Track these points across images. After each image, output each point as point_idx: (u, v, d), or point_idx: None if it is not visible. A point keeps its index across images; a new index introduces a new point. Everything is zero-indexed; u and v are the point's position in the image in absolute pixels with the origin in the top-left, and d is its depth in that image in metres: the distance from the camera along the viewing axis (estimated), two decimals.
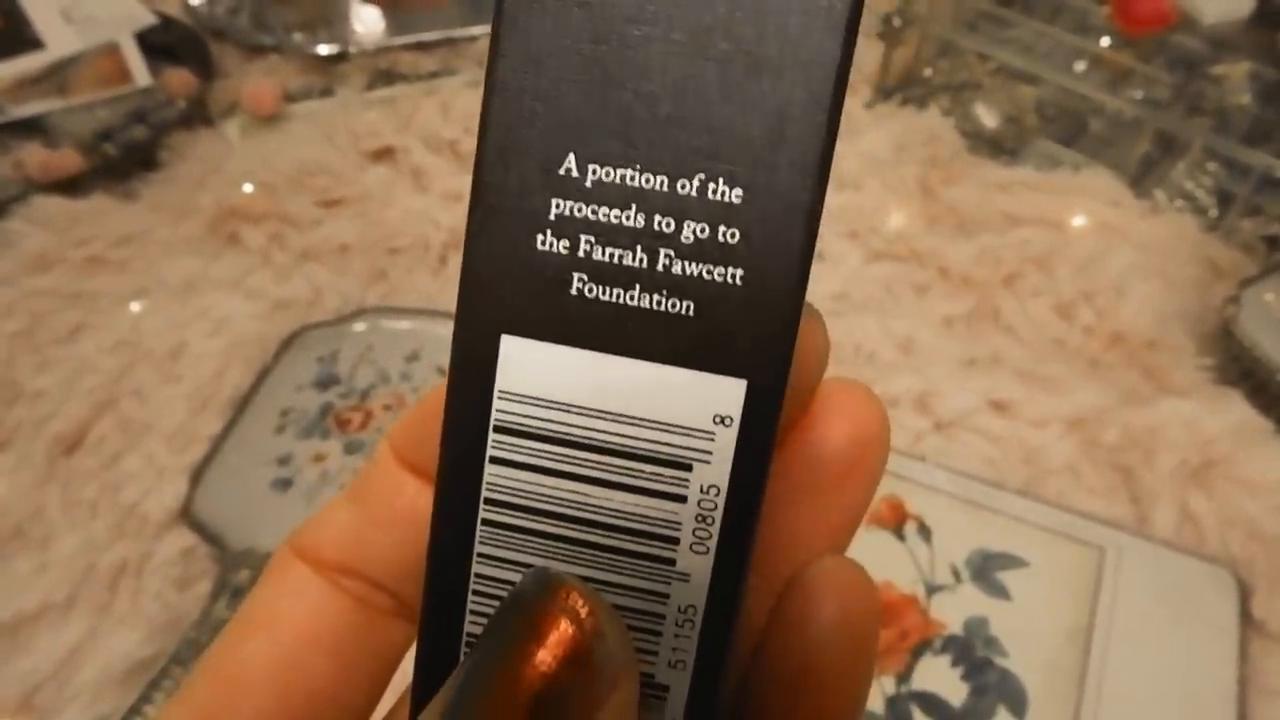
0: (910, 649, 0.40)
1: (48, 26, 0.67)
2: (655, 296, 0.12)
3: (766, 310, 0.12)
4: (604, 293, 0.12)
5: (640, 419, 0.13)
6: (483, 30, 0.73)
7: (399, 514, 0.14)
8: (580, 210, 0.12)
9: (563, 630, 0.10)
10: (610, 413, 0.13)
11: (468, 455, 0.13)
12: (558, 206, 0.12)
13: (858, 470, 0.14)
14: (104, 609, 0.43)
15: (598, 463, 0.13)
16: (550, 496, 0.13)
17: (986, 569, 0.42)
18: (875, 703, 0.39)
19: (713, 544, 0.13)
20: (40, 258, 0.55)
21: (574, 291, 0.12)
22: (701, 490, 0.13)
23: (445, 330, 0.52)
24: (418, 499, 0.14)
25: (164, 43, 0.68)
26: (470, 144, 0.64)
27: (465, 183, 0.61)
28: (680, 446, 0.13)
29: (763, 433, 0.13)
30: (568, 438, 0.13)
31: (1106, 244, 0.57)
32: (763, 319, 0.12)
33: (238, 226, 0.57)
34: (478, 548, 0.13)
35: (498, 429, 0.13)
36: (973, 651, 0.40)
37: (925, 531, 0.43)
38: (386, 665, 0.15)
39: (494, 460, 0.13)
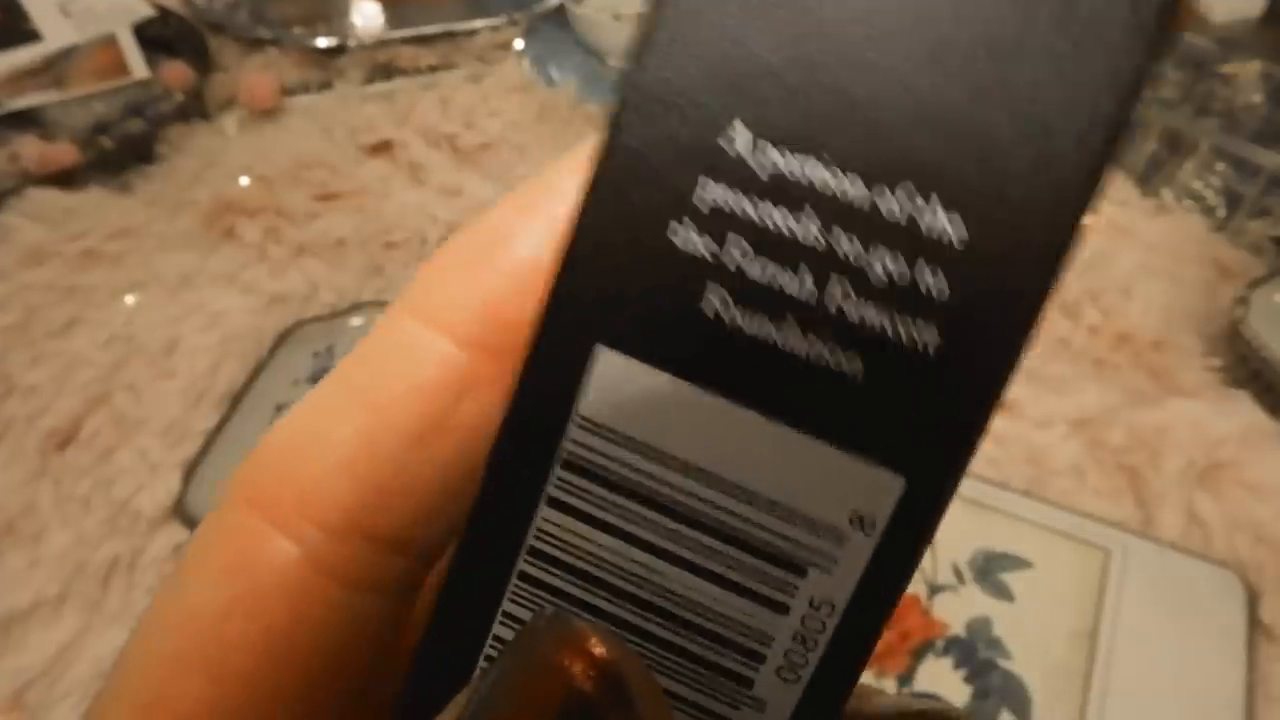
0: (912, 650, 0.39)
1: (45, 19, 0.66)
2: (815, 341, 0.09)
3: (957, 394, 0.09)
4: (748, 320, 0.09)
5: (756, 493, 0.10)
6: (483, 24, 0.72)
7: (435, 418, 0.10)
8: (738, 200, 0.09)
9: (579, 671, 0.09)
10: (719, 477, 0.10)
11: (519, 489, 0.10)
12: (707, 188, 0.09)
13: None
14: (96, 606, 0.42)
15: (686, 537, 0.10)
16: (613, 564, 0.10)
17: (989, 570, 0.42)
18: None
19: (807, 673, 0.10)
20: (35, 251, 0.55)
21: (707, 309, 0.09)
22: (811, 604, 0.10)
23: None
24: (467, 392, 0.10)
25: (161, 36, 0.68)
26: (469, 139, 0.63)
27: (463, 177, 0.61)
28: (798, 543, 0.10)
29: (907, 548, 0.10)
30: (655, 496, 0.10)
31: (1113, 243, 0.56)
32: (949, 404, 0.09)
33: (234, 220, 0.57)
34: (505, 605, 0.10)
35: (567, 464, 0.10)
36: (975, 653, 0.39)
37: None
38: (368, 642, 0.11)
39: (552, 502, 0.10)
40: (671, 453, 0.10)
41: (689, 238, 0.09)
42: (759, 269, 0.09)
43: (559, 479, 0.10)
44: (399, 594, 0.11)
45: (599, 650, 0.09)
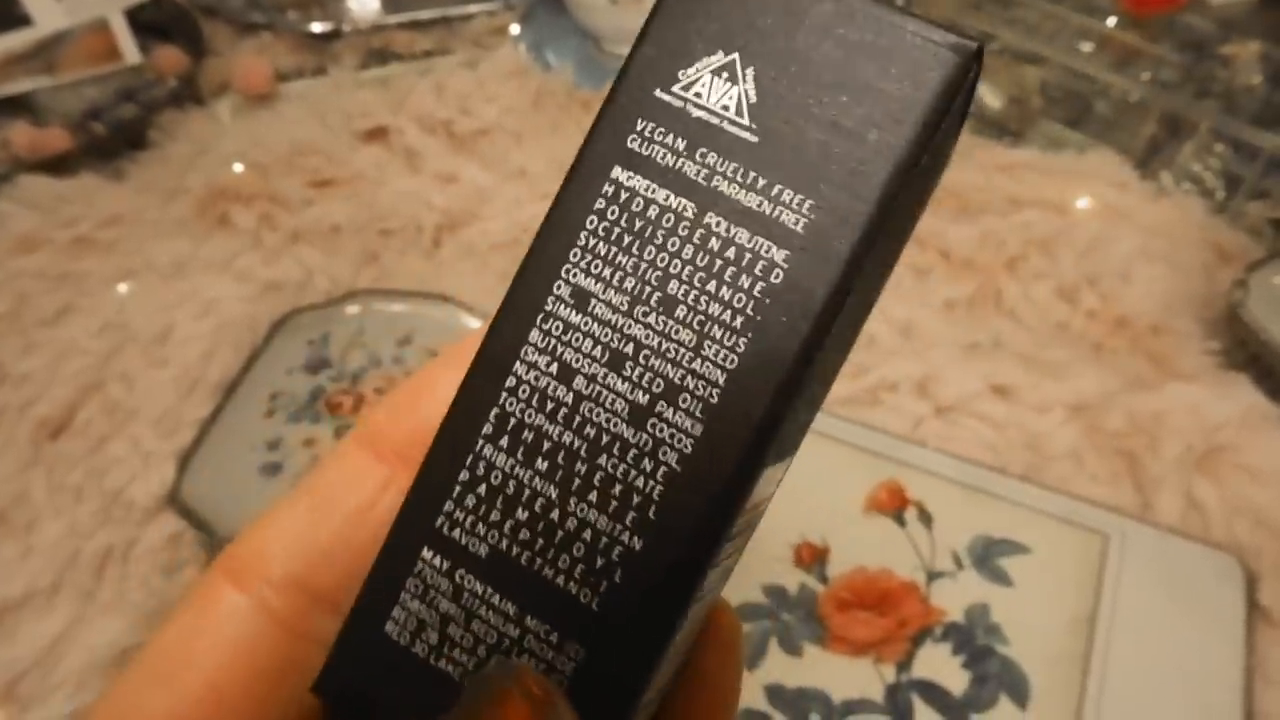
0: (910, 637, 0.39)
1: (36, 3, 0.65)
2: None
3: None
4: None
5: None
6: (479, 8, 0.72)
7: (364, 505, 0.14)
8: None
9: (519, 705, 0.11)
10: None
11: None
12: None
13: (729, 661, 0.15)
14: (89, 596, 0.42)
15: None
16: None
17: (988, 556, 0.41)
18: (876, 691, 0.38)
19: None
20: (26, 238, 0.55)
21: None
22: None
23: (438, 313, 0.51)
24: (388, 489, 0.14)
25: (154, 20, 0.67)
26: (465, 125, 0.63)
27: (459, 164, 0.60)
28: None
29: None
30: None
31: (1111, 227, 0.56)
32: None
33: (228, 207, 0.56)
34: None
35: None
36: (974, 639, 0.39)
37: (926, 517, 0.43)
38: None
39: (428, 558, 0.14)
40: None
41: None
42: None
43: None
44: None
45: (536, 687, 0.11)
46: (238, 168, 0.58)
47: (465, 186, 0.59)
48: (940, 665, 0.39)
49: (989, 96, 0.65)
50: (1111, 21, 0.65)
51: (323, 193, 0.58)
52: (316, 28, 0.70)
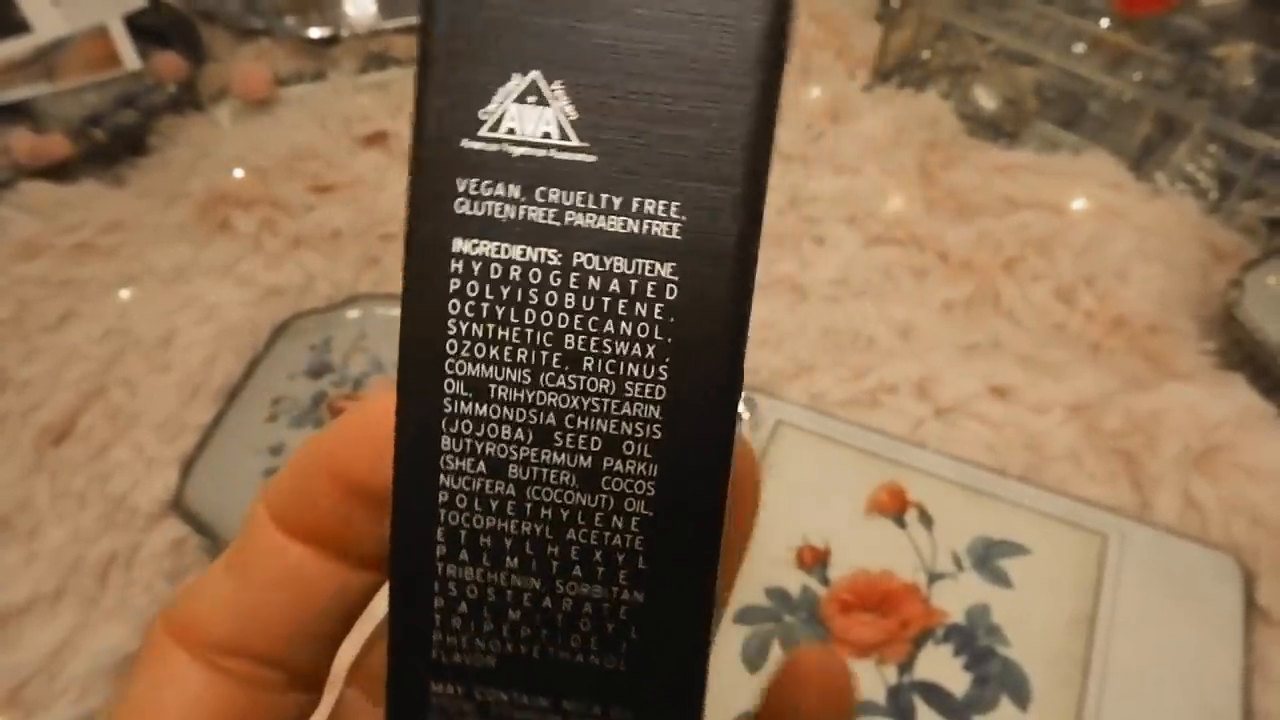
0: (912, 638, 0.40)
1: (35, 9, 0.65)
2: None
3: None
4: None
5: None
6: None
7: (284, 578, 0.14)
8: None
9: None
10: None
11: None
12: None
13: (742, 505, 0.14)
14: (93, 601, 0.42)
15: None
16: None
17: (988, 556, 0.42)
18: (877, 692, 0.38)
19: None
20: (28, 244, 0.55)
21: None
22: None
23: None
24: (302, 563, 0.14)
25: (153, 26, 0.67)
26: None
27: None
28: None
29: None
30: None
31: (1107, 227, 0.56)
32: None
33: (228, 212, 0.56)
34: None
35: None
36: (975, 640, 0.39)
37: (926, 519, 0.43)
38: None
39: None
40: None
41: None
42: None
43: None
44: (290, 692, 0.14)
45: None
46: (238, 173, 0.58)
47: None
48: (942, 666, 0.39)
49: (984, 98, 0.66)
50: (1104, 23, 0.65)
51: (323, 197, 0.58)
52: (315, 33, 0.70)
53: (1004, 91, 0.66)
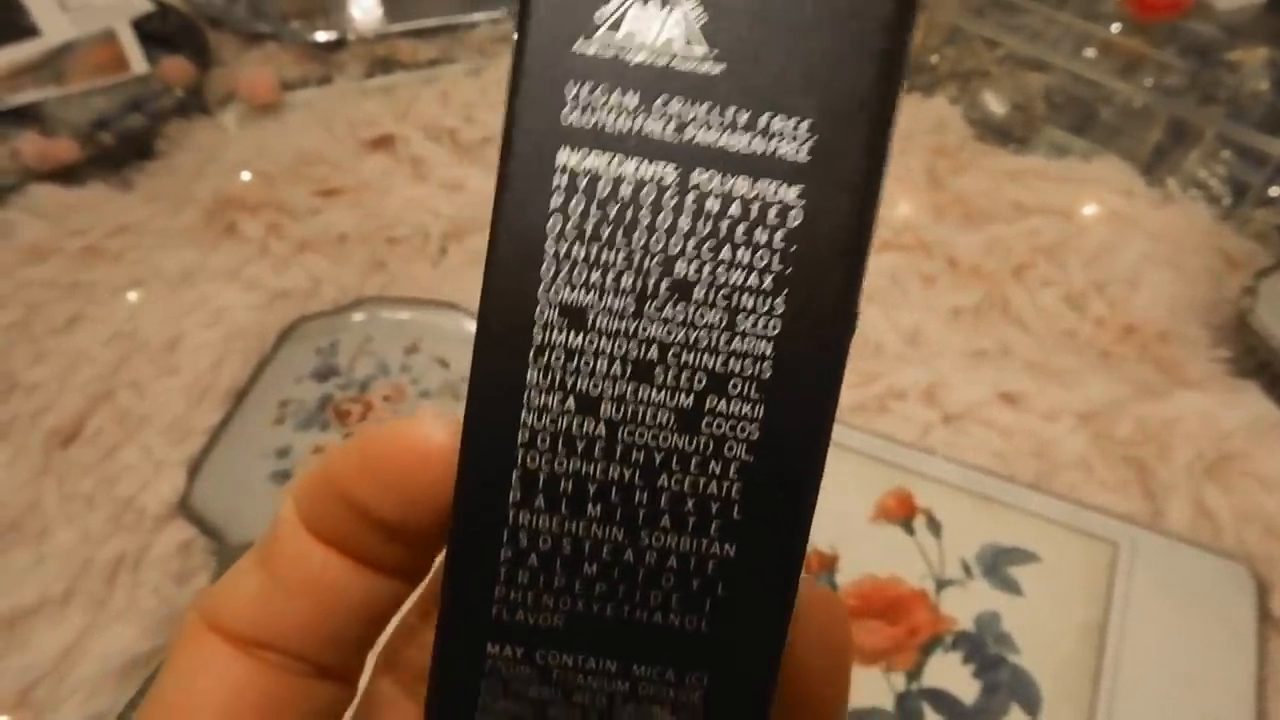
0: (920, 645, 0.39)
1: (44, 14, 0.66)
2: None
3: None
4: None
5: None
6: (484, 17, 0.72)
7: (308, 582, 0.13)
8: None
9: None
10: None
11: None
12: None
13: (834, 692, 0.14)
14: (102, 603, 0.42)
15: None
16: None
17: (998, 564, 0.41)
18: (886, 700, 0.38)
19: None
20: (36, 248, 0.55)
21: None
22: None
23: (445, 321, 0.51)
24: (327, 567, 0.13)
25: (161, 31, 0.68)
26: (470, 133, 0.63)
27: (464, 172, 0.60)
28: None
29: None
30: None
31: (1118, 234, 0.56)
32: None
33: (235, 216, 0.57)
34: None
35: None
36: (984, 648, 0.39)
37: (935, 526, 0.43)
38: None
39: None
40: None
41: None
42: None
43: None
44: (324, 681, 0.14)
45: None
46: (245, 177, 0.58)
47: (471, 194, 0.59)
48: (950, 674, 0.39)
49: (994, 103, 0.65)
50: (1116, 27, 0.65)
51: (329, 201, 0.58)
52: (321, 37, 0.70)
53: (1013, 96, 0.66)
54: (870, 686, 0.38)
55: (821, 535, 0.42)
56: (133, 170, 0.61)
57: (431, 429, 0.12)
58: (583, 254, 0.11)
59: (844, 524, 0.43)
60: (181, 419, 0.47)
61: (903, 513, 0.43)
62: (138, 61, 0.65)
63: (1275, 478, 0.44)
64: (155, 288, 0.53)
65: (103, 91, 0.64)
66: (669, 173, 0.11)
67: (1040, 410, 0.47)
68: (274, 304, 0.52)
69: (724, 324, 0.11)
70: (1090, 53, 0.65)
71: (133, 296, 0.53)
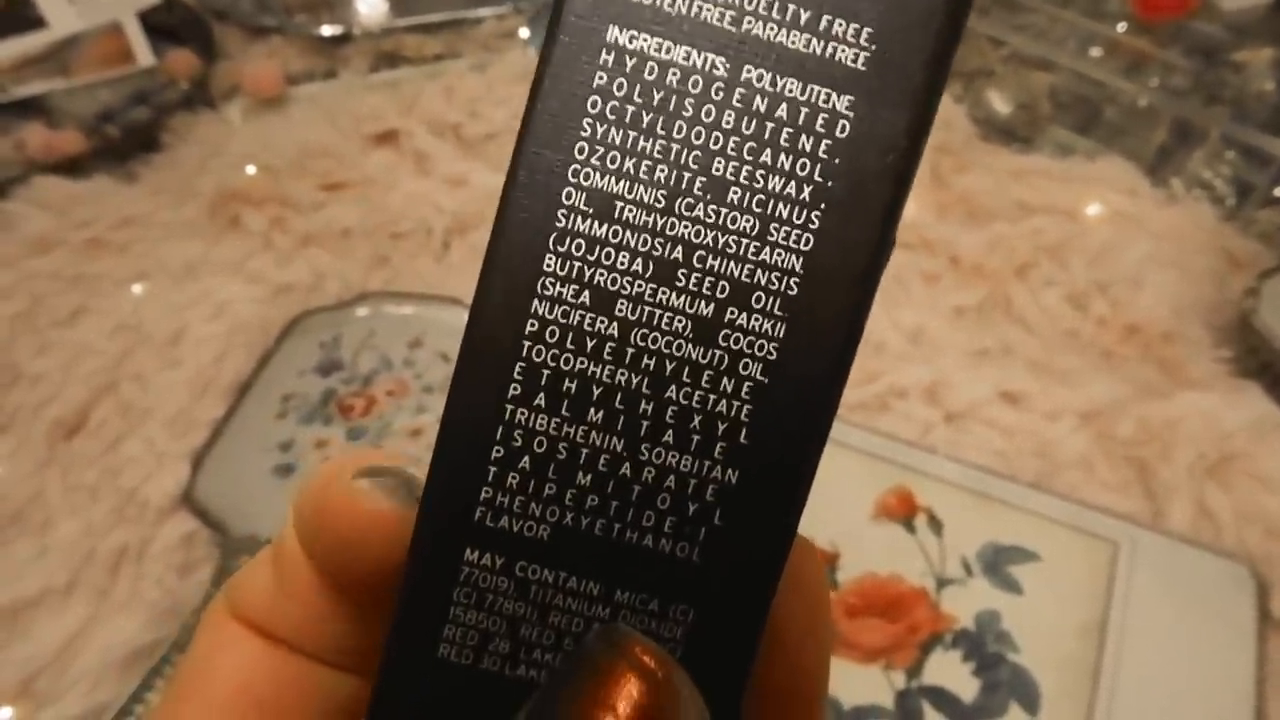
0: (920, 643, 0.39)
1: (50, 6, 0.66)
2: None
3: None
4: None
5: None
6: (489, 12, 0.72)
7: (303, 592, 0.13)
8: None
9: (633, 690, 0.09)
10: None
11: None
12: None
13: (812, 639, 0.13)
14: (104, 594, 0.42)
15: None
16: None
17: (998, 562, 0.42)
18: (886, 698, 0.38)
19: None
20: (41, 239, 0.55)
21: None
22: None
23: (448, 316, 0.51)
24: (314, 583, 0.13)
25: (166, 23, 0.68)
26: (474, 128, 0.63)
27: (468, 167, 0.60)
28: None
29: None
30: None
31: (1121, 234, 0.56)
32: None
33: (239, 210, 0.57)
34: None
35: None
36: (984, 646, 0.39)
37: (936, 524, 0.43)
38: (336, 714, 0.14)
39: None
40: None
41: None
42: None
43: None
44: (341, 671, 0.14)
45: (649, 658, 0.09)
46: (249, 170, 0.58)
47: (475, 189, 0.59)
48: (950, 672, 0.39)
49: (998, 102, 0.65)
50: (1121, 27, 0.65)
51: (333, 195, 0.59)
52: (326, 31, 0.70)
53: (1018, 96, 0.66)
54: (870, 684, 0.38)
55: (822, 532, 0.42)
56: (137, 163, 0.61)
57: (376, 501, 0.12)
58: (619, 139, 0.11)
59: (845, 522, 0.43)
60: (185, 412, 0.47)
61: (904, 511, 0.43)
62: (143, 54, 0.65)
63: (1276, 478, 0.44)
64: (159, 280, 0.53)
65: (108, 84, 0.64)
66: (720, 64, 0.11)
67: (1042, 410, 0.47)
68: (277, 298, 0.53)
69: (755, 232, 0.11)
70: (1095, 52, 0.65)
71: (137, 289, 0.53)
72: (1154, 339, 0.51)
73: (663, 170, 0.11)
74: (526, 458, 0.11)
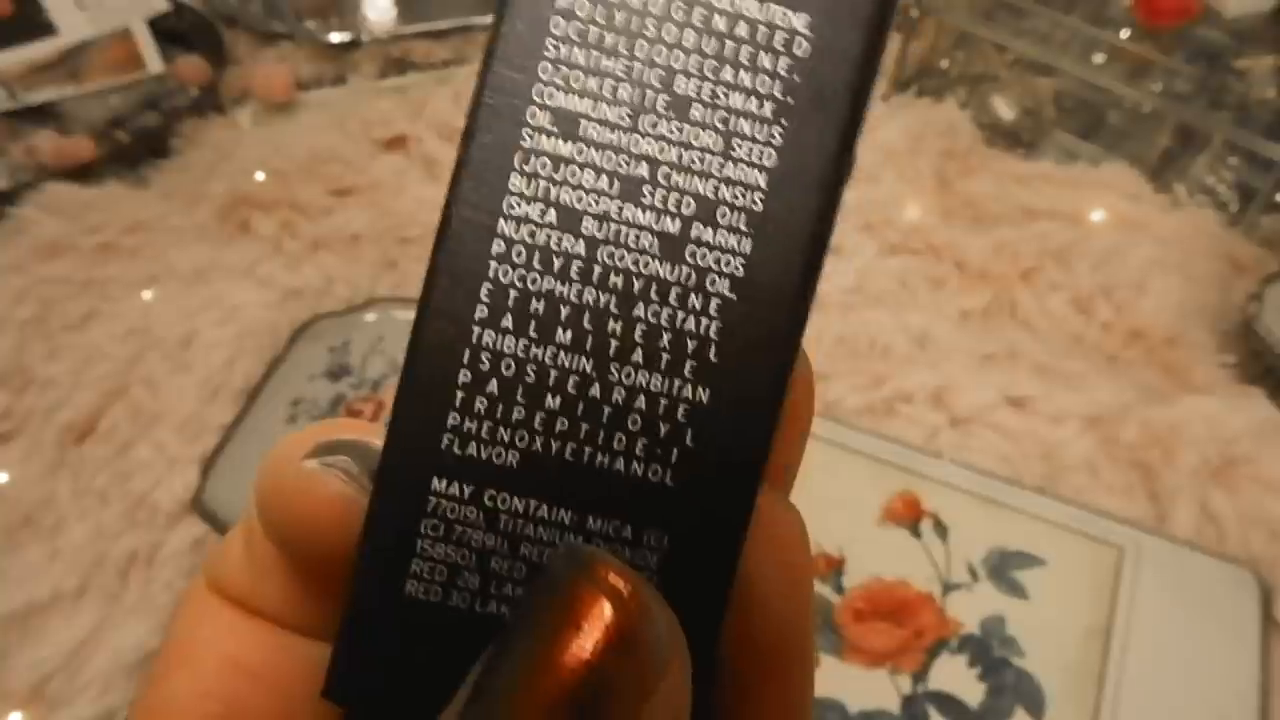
0: (926, 648, 0.40)
1: (60, 12, 0.66)
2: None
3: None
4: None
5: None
6: None
7: (270, 568, 0.13)
8: None
9: (603, 612, 0.09)
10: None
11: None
12: None
13: (791, 411, 0.13)
14: (115, 598, 0.43)
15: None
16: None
17: (1003, 567, 0.42)
18: (891, 702, 0.38)
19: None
20: (52, 245, 0.55)
21: None
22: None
23: None
24: (278, 564, 0.13)
25: (176, 29, 0.68)
26: None
27: None
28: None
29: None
30: None
31: (1126, 238, 0.56)
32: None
33: (249, 214, 0.57)
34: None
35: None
36: (990, 651, 0.40)
37: (941, 529, 0.43)
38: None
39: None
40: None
41: None
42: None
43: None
44: (321, 641, 0.13)
45: (620, 581, 0.09)
46: (259, 175, 0.59)
47: None
48: (956, 676, 0.39)
49: (1003, 108, 0.66)
50: (1125, 33, 0.65)
51: (343, 201, 0.59)
52: (335, 37, 0.71)
53: (1022, 101, 0.66)
54: (876, 688, 0.39)
55: (828, 537, 0.43)
56: (148, 168, 0.61)
57: (326, 485, 0.12)
58: (582, 59, 0.11)
59: (851, 526, 0.43)
60: (195, 416, 0.48)
61: (910, 515, 0.43)
62: (153, 60, 0.66)
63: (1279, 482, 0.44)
64: (169, 285, 0.54)
65: (118, 90, 0.64)
66: None
67: (1047, 414, 0.48)
68: (287, 302, 0.53)
69: (719, 148, 0.11)
70: (1099, 58, 0.65)
71: (147, 294, 0.53)
72: (1158, 343, 0.52)
73: (626, 89, 0.11)
74: (494, 381, 0.11)
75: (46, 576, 0.43)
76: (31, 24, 0.65)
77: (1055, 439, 0.47)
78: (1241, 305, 0.52)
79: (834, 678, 0.39)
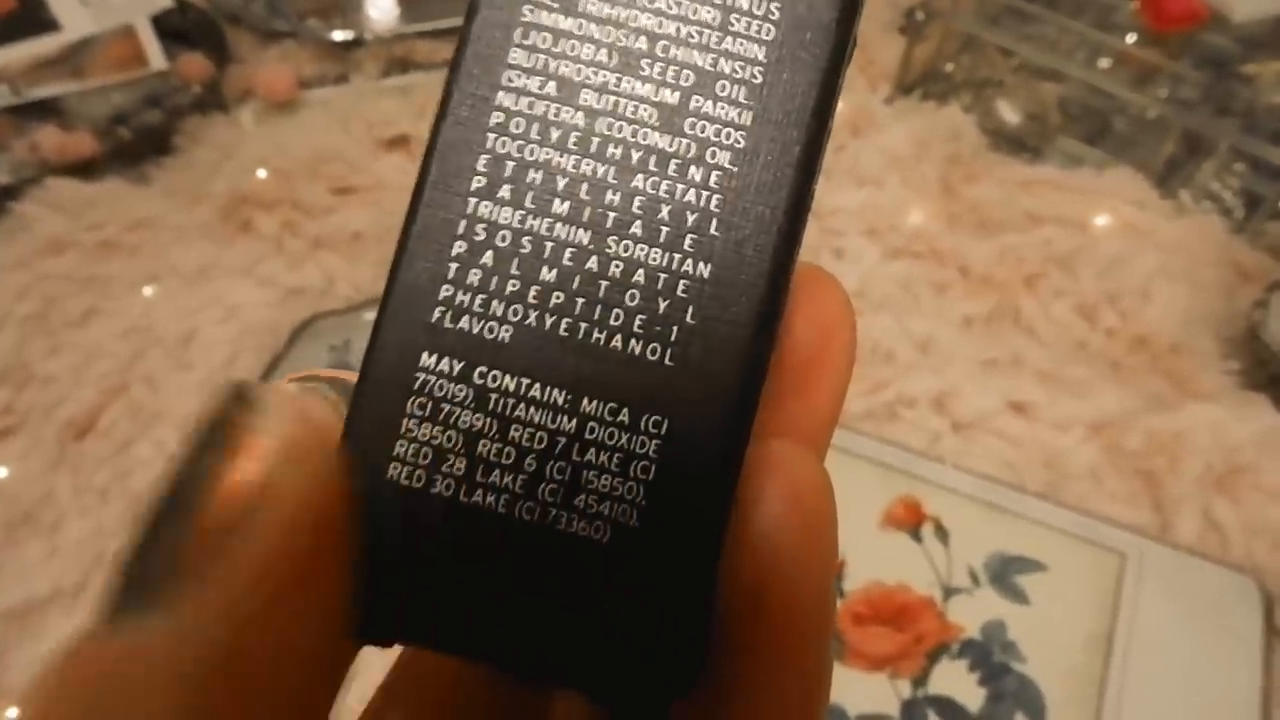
0: (927, 653, 0.39)
1: (64, 8, 0.66)
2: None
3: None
4: None
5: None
6: None
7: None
8: None
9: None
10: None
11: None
12: None
13: (823, 366, 0.12)
14: None
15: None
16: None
17: (1005, 573, 0.42)
18: (891, 707, 0.38)
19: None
20: (54, 241, 0.55)
21: None
22: None
23: None
24: None
25: (179, 27, 0.68)
26: None
27: None
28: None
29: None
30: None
31: (1130, 245, 0.56)
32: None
33: (251, 213, 0.57)
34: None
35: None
36: (990, 656, 0.39)
37: (943, 534, 0.43)
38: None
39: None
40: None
41: None
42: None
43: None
44: None
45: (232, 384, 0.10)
46: (261, 174, 0.59)
47: None
48: (956, 682, 0.39)
49: (1008, 113, 0.66)
50: (1131, 38, 0.65)
51: (344, 199, 0.59)
52: (338, 36, 0.70)
53: (1027, 106, 0.66)
54: (876, 693, 0.39)
55: None
56: (150, 165, 0.61)
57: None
58: None
59: (852, 531, 0.43)
60: (195, 414, 0.48)
61: (911, 520, 0.43)
62: (156, 57, 0.66)
63: None
64: (170, 283, 0.54)
65: (121, 87, 0.64)
66: None
67: (1050, 420, 0.47)
68: (288, 301, 0.53)
69: (718, 22, 0.11)
70: (1105, 63, 0.65)
71: (148, 291, 0.53)
72: (1162, 351, 0.51)
73: None
74: (489, 252, 0.11)
75: (46, 573, 0.43)
76: (35, 20, 0.65)
77: (1058, 445, 0.46)
78: (1247, 313, 0.52)
79: (834, 682, 0.39)
